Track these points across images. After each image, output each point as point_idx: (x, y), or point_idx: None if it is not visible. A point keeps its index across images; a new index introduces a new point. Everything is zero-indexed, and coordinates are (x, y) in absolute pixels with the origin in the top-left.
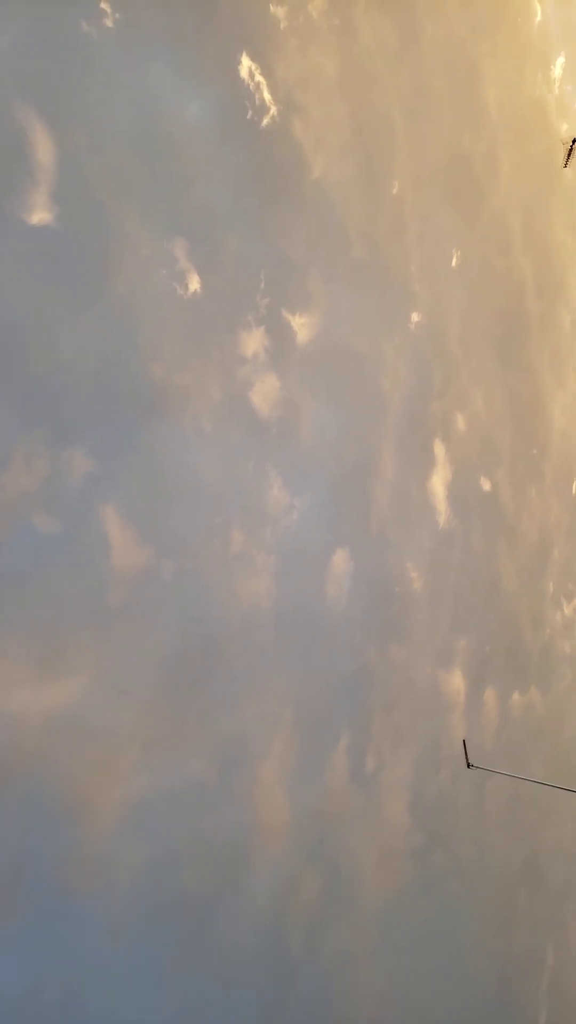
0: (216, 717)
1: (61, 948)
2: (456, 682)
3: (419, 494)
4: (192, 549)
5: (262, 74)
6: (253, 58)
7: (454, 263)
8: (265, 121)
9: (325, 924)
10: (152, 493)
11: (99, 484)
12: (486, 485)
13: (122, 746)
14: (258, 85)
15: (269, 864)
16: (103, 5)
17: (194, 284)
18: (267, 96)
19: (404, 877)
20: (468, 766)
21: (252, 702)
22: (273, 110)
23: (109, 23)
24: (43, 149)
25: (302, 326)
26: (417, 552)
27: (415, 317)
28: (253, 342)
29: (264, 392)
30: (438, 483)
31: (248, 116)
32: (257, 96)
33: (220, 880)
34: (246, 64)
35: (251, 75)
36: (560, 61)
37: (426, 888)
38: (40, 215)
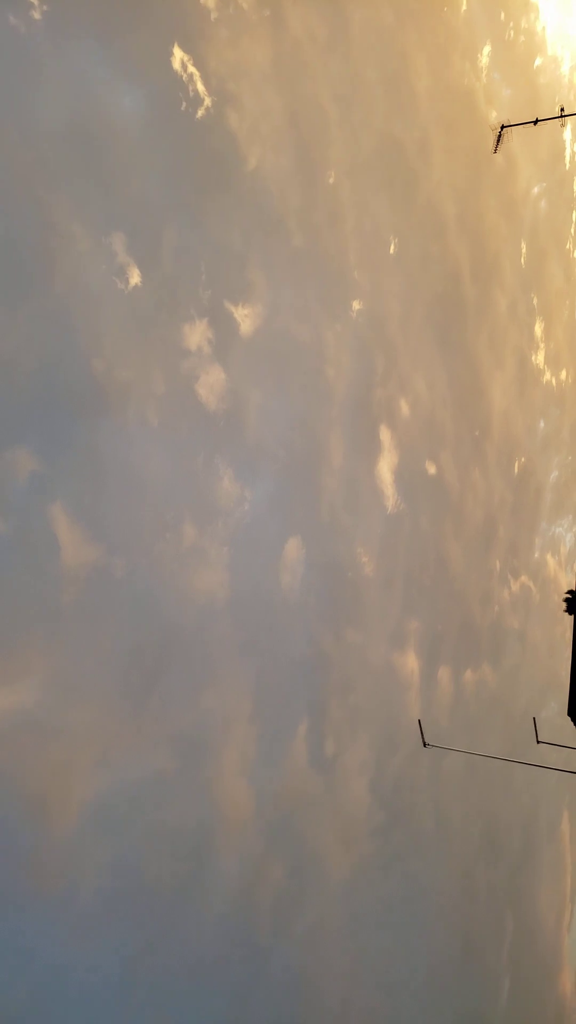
0: (175, 710)
1: (25, 951)
2: (410, 662)
3: (367, 480)
4: (144, 544)
5: (195, 65)
6: (185, 49)
7: (392, 250)
8: (200, 112)
9: (292, 907)
10: (100, 490)
11: (45, 482)
12: (431, 468)
13: (80, 744)
14: (191, 76)
15: (233, 852)
16: None
17: (134, 278)
18: (200, 87)
19: (367, 856)
20: (424, 745)
21: (210, 694)
22: (207, 101)
23: (37, 15)
24: None
25: (245, 317)
26: (367, 537)
27: (356, 305)
28: (196, 334)
29: (210, 384)
30: (385, 468)
31: (182, 108)
32: (191, 87)
33: (185, 872)
34: (178, 56)
35: (184, 67)
36: (486, 50)
37: (388, 866)
38: None
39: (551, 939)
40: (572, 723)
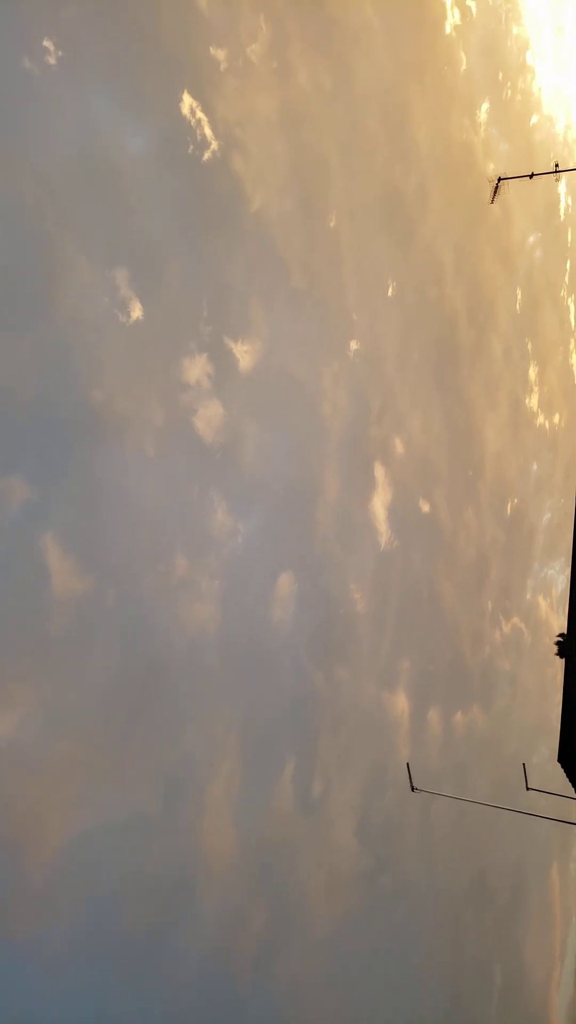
0: (160, 746)
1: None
2: (400, 703)
3: (361, 516)
4: (135, 575)
5: (203, 111)
6: (194, 96)
7: (390, 293)
8: (206, 155)
9: (273, 956)
10: (94, 519)
11: (39, 511)
12: (425, 506)
13: (59, 781)
14: (199, 121)
15: (215, 895)
16: (46, 43)
17: (136, 312)
18: (208, 132)
19: (352, 902)
20: (412, 790)
21: (197, 729)
22: (214, 145)
23: (52, 60)
24: None
25: (244, 353)
26: (360, 573)
27: (353, 345)
28: (196, 368)
29: (207, 417)
30: (379, 505)
31: (189, 150)
32: (198, 132)
33: (165, 914)
34: (187, 101)
35: (192, 112)
36: (485, 107)
37: (375, 912)
38: None
39: (540, 996)
40: (562, 769)
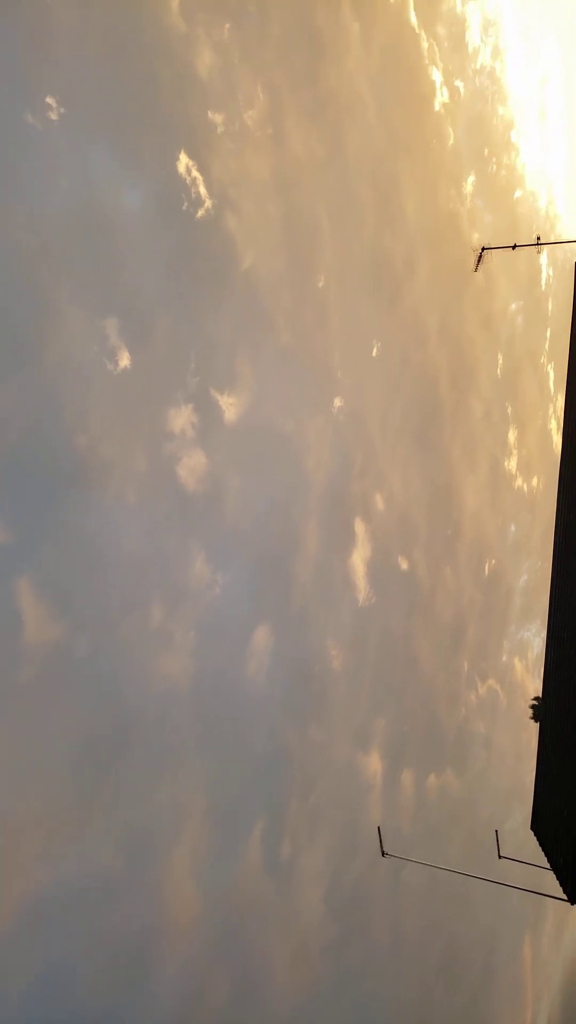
0: (126, 803)
1: None
2: (373, 763)
3: (340, 571)
4: (109, 624)
5: (199, 171)
6: (191, 156)
7: (374, 353)
8: (200, 213)
9: None
10: (70, 566)
11: (15, 555)
12: (403, 564)
13: (23, 835)
14: (194, 180)
15: (176, 966)
16: (49, 100)
17: (124, 361)
18: (203, 191)
19: (318, 975)
20: (383, 855)
21: (165, 787)
22: (208, 203)
23: (54, 116)
24: None
25: (230, 405)
26: (337, 629)
27: (337, 401)
28: (181, 418)
29: (190, 467)
30: (358, 561)
31: (184, 207)
32: (193, 190)
33: (122, 982)
34: (184, 161)
35: (188, 171)
36: (471, 179)
37: (341, 988)
38: None
39: None
40: (535, 837)
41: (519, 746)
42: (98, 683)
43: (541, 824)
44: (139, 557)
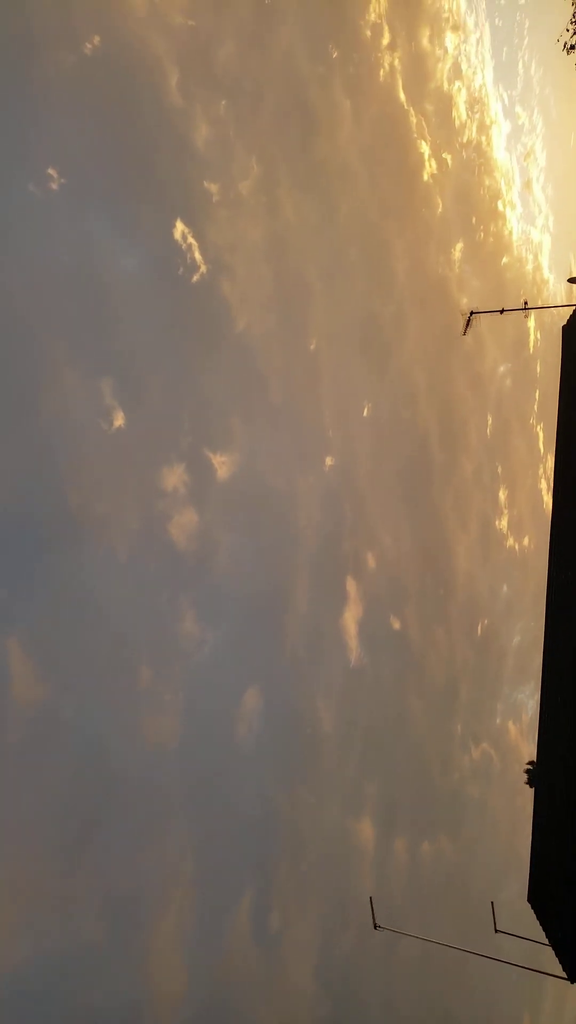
0: (111, 870)
1: None
2: (365, 830)
3: (331, 630)
4: (97, 684)
5: (194, 237)
6: (187, 223)
7: (365, 412)
8: (195, 278)
9: None
10: (60, 623)
11: (5, 613)
12: (395, 623)
13: (3, 904)
14: (190, 246)
15: None
16: (50, 171)
17: (119, 420)
18: (198, 256)
19: None
20: (375, 927)
21: (150, 853)
22: (203, 269)
23: (55, 186)
24: None
25: (222, 464)
26: (328, 690)
27: (329, 460)
28: (174, 477)
29: (182, 525)
30: (350, 620)
31: (179, 272)
32: (189, 256)
33: None
34: (180, 228)
35: (184, 237)
36: (459, 246)
37: None
38: None
39: None
40: (532, 910)
41: (514, 812)
42: (84, 744)
43: (538, 897)
44: (129, 615)
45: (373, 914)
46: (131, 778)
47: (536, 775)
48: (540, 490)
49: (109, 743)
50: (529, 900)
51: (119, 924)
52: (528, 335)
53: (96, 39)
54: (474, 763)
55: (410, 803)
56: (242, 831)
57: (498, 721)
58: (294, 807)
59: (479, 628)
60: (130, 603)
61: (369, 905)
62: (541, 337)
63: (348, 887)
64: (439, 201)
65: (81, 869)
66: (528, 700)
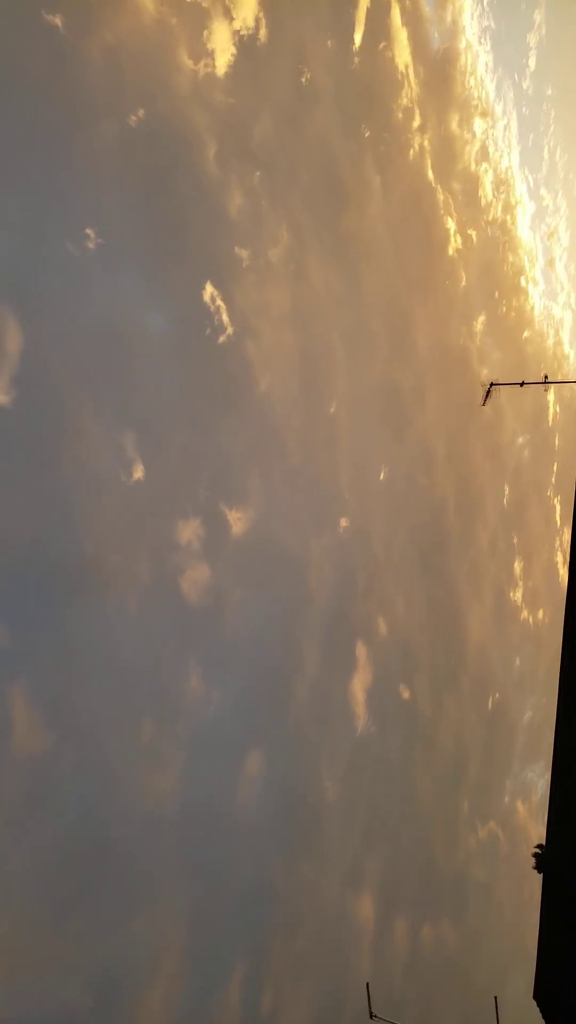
0: (99, 934)
1: None
2: (365, 907)
3: (339, 696)
4: (98, 737)
5: (223, 300)
6: (216, 286)
7: (382, 476)
8: (221, 339)
9: None
10: (66, 673)
11: (11, 661)
12: (405, 692)
13: None
14: (218, 308)
15: None
16: (88, 231)
17: (138, 472)
18: (225, 318)
19: None
20: (371, 1016)
21: (141, 919)
22: (230, 330)
23: (91, 245)
24: (11, 339)
25: (237, 520)
26: (333, 758)
27: (344, 522)
28: (189, 531)
29: (194, 579)
30: (358, 686)
31: (207, 332)
32: (216, 317)
33: None
34: (209, 290)
35: (213, 300)
36: (481, 319)
37: None
38: None
39: None
40: (538, 1009)
41: (521, 898)
42: (80, 799)
43: (545, 994)
44: (135, 669)
45: (369, 1001)
46: (126, 837)
47: (545, 860)
48: (556, 563)
49: (106, 799)
50: (535, 997)
51: (105, 993)
52: (547, 408)
53: (141, 112)
54: (480, 843)
55: (413, 882)
56: (237, 901)
57: (506, 799)
58: (292, 878)
59: (490, 702)
60: (137, 656)
61: (366, 991)
62: (560, 411)
63: (345, 969)
64: (463, 275)
65: (68, 931)
66: (538, 780)
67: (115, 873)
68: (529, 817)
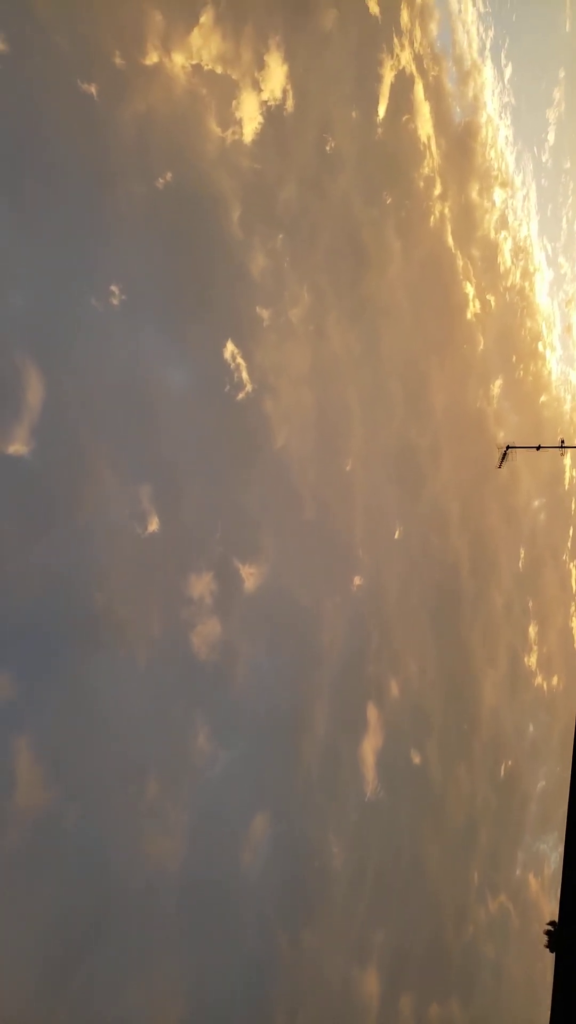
0: (95, 1000)
1: None
2: (370, 983)
3: (349, 759)
4: (102, 795)
5: (243, 358)
6: (236, 344)
7: (396, 536)
8: (240, 396)
9: None
10: (71, 728)
11: (18, 713)
12: (416, 758)
13: None
14: (238, 366)
15: None
16: (112, 287)
17: (153, 525)
18: (245, 376)
19: None
20: None
21: (139, 985)
22: (248, 387)
23: (115, 301)
24: (32, 391)
25: (250, 575)
26: (340, 823)
27: (357, 580)
28: (201, 585)
29: (204, 634)
30: (368, 749)
31: (226, 389)
32: (236, 375)
33: None
34: (230, 348)
35: (233, 357)
36: (498, 382)
37: None
38: (16, 447)
39: None
40: None
41: (532, 978)
42: (82, 858)
43: None
44: (141, 725)
45: None
46: (128, 899)
47: (558, 939)
48: (571, 628)
49: (109, 859)
50: None
51: None
52: (564, 472)
53: (169, 175)
54: (491, 917)
55: (420, 956)
56: (237, 973)
57: (518, 872)
58: (295, 949)
59: (502, 769)
60: (144, 712)
61: None
62: None
63: None
64: (481, 339)
65: (65, 994)
66: (551, 852)
67: (113, 939)
68: (541, 892)
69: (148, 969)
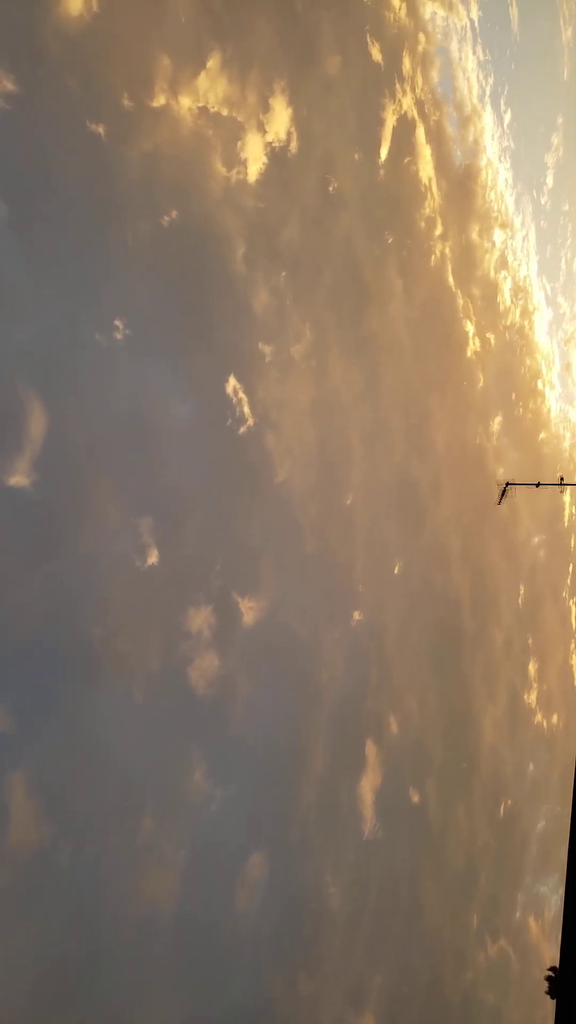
0: None
1: None
2: None
3: (346, 798)
4: (97, 832)
5: (244, 392)
6: (239, 379)
7: (396, 571)
8: (242, 430)
9: None
10: (67, 763)
11: (13, 747)
12: (415, 797)
13: None
14: (240, 401)
15: None
16: (117, 322)
17: (152, 558)
18: (247, 410)
19: None
20: None
21: None
22: (250, 422)
23: (119, 336)
24: (35, 422)
25: (249, 609)
26: (337, 864)
27: (357, 615)
28: (199, 619)
29: (202, 668)
30: (366, 788)
31: (228, 423)
32: (238, 409)
33: None
34: (232, 383)
35: (235, 392)
36: (498, 419)
37: None
38: (17, 478)
39: None
40: None
41: None
42: (75, 898)
43: None
44: (137, 761)
45: None
46: (118, 943)
47: (559, 985)
48: (571, 666)
49: (102, 899)
50: None
51: None
52: (563, 509)
53: (174, 213)
54: (490, 962)
55: (418, 1003)
56: (233, 1012)
57: (518, 915)
58: (290, 994)
59: (502, 808)
60: (140, 749)
61: None
62: None
63: None
64: (480, 376)
65: None
66: (551, 895)
67: (104, 982)
68: (542, 936)
69: (142, 1010)
